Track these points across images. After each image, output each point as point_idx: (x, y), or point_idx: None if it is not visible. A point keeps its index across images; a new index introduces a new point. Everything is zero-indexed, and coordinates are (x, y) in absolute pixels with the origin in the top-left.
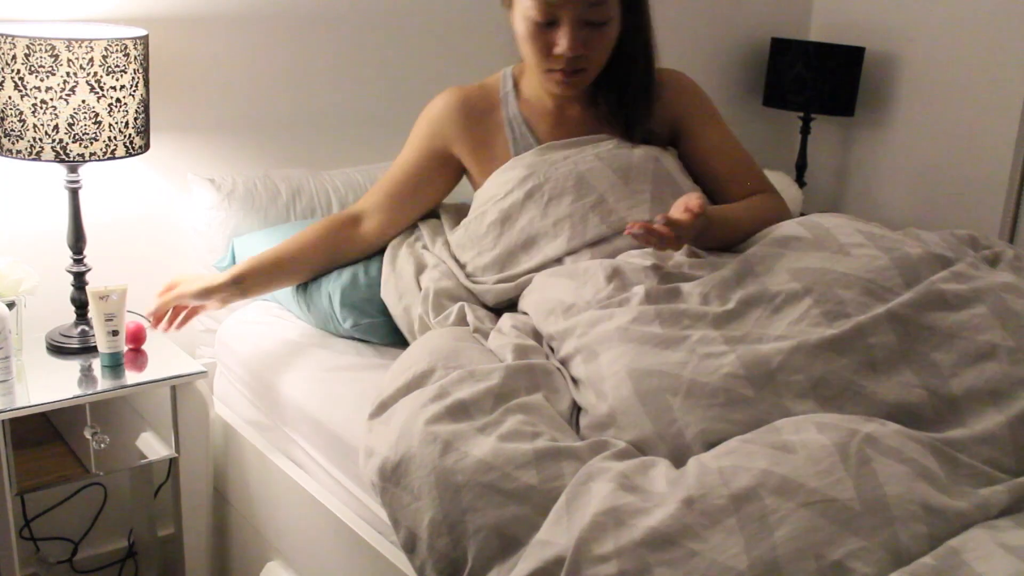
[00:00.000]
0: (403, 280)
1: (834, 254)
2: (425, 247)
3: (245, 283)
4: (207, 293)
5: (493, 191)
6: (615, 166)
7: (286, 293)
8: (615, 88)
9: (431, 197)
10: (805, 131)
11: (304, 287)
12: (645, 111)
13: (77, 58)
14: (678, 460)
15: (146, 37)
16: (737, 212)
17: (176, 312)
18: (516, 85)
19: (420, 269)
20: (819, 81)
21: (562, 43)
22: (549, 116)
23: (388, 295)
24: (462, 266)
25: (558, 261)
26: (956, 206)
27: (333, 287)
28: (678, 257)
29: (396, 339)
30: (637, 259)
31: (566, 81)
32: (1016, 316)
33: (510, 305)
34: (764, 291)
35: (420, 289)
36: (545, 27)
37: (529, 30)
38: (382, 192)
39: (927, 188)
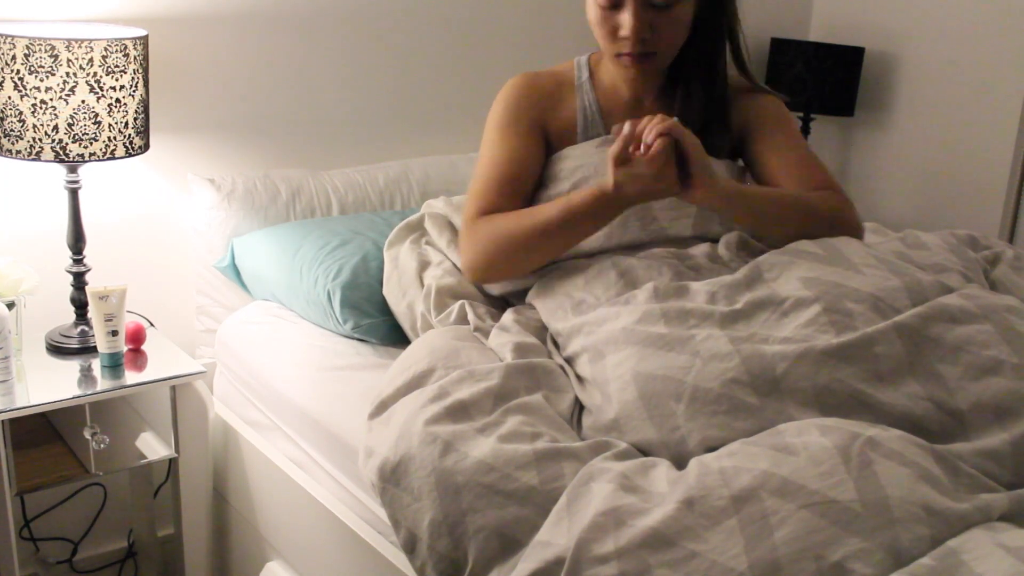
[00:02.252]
0: (406, 277)
1: (846, 271)
2: (429, 243)
3: None
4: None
5: (547, 179)
6: None
7: (286, 290)
8: (696, 88)
9: (535, 178)
10: (805, 131)
11: (302, 283)
12: (719, 121)
13: (77, 58)
14: (680, 465)
15: (146, 37)
16: (770, 191)
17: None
18: (592, 74)
19: (423, 266)
20: (819, 81)
21: (625, 25)
22: (624, 107)
23: (390, 292)
24: None
25: (588, 256)
26: (956, 206)
27: (333, 286)
28: (698, 258)
29: (396, 339)
30: (652, 259)
31: (634, 65)
32: (1020, 336)
33: (514, 297)
34: (773, 295)
35: (423, 286)
36: (610, 10)
37: (597, 14)
38: (502, 187)
39: (927, 188)
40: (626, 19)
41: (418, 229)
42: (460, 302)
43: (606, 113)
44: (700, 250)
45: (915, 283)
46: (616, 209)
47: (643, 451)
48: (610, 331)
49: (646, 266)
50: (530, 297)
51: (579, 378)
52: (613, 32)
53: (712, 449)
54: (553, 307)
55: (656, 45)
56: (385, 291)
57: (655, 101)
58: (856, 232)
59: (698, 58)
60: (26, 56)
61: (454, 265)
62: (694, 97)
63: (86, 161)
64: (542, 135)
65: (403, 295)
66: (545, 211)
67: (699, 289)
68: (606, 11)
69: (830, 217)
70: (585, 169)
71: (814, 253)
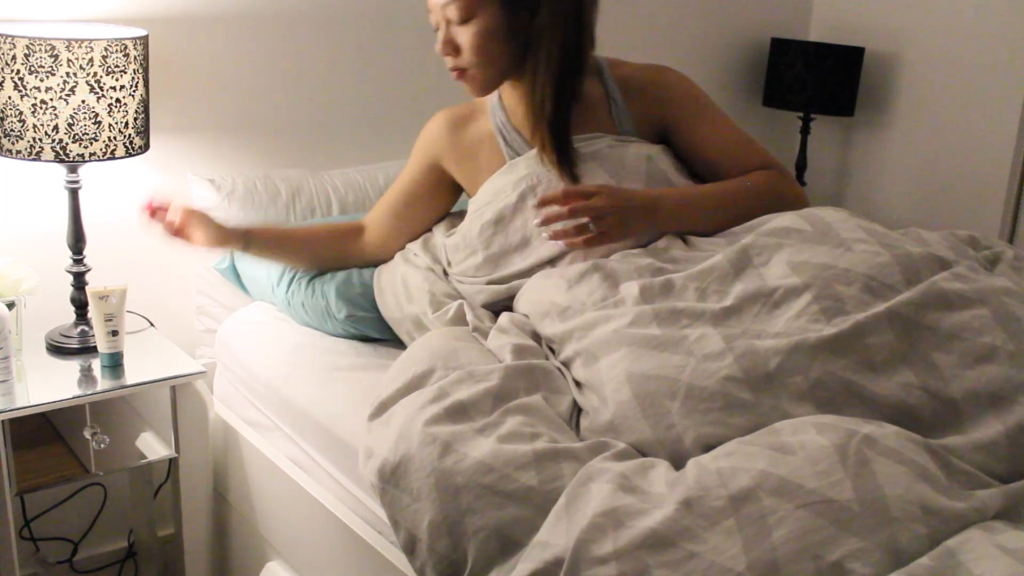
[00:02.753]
0: (397, 286)
1: (835, 248)
2: (416, 254)
3: (252, 240)
4: (218, 231)
5: (489, 196)
6: (607, 166)
7: (283, 296)
8: (566, 88)
9: (428, 214)
10: (805, 131)
11: (298, 289)
12: (565, 117)
13: (77, 58)
14: (678, 464)
15: (146, 37)
16: (711, 188)
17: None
18: (500, 96)
19: (414, 275)
20: (819, 81)
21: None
22: (523, 120)
23: (385, 307)
24: (449, 265)
25: (551, 263)
26: (956, 206)
27: (328, 287)
28: (674, 251)
29: (393, 335)
30: (630, 256)
31: (459, 80)
32: (1017, 320)
33: (503, 306)
34: (762, 286)
35: (416, 292)
36: (436, 33)
37: None
38: (383, 207)
39: (927, 188)
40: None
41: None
42: (459, 301)
43: (521, 129)
44: (670, 241)
45: (906, 256)
46: None
47: (640, 451)
48: (602, 334)
49: (624, 264)
50: (517, 307)
51: (576, 382)
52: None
53: (708, 447)
54: (540, 314)
55: (464, 63)
56: (380, 308)
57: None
58: (800, 205)
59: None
60: (26, 56)
61: (444, 271)
62: (561, 101)
63: (86, 161)
64: (437, 172)
65: (398, 306)
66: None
67: (686, 283)
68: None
69: (774, 200)
70: (531, 178)
71: (802, 231)
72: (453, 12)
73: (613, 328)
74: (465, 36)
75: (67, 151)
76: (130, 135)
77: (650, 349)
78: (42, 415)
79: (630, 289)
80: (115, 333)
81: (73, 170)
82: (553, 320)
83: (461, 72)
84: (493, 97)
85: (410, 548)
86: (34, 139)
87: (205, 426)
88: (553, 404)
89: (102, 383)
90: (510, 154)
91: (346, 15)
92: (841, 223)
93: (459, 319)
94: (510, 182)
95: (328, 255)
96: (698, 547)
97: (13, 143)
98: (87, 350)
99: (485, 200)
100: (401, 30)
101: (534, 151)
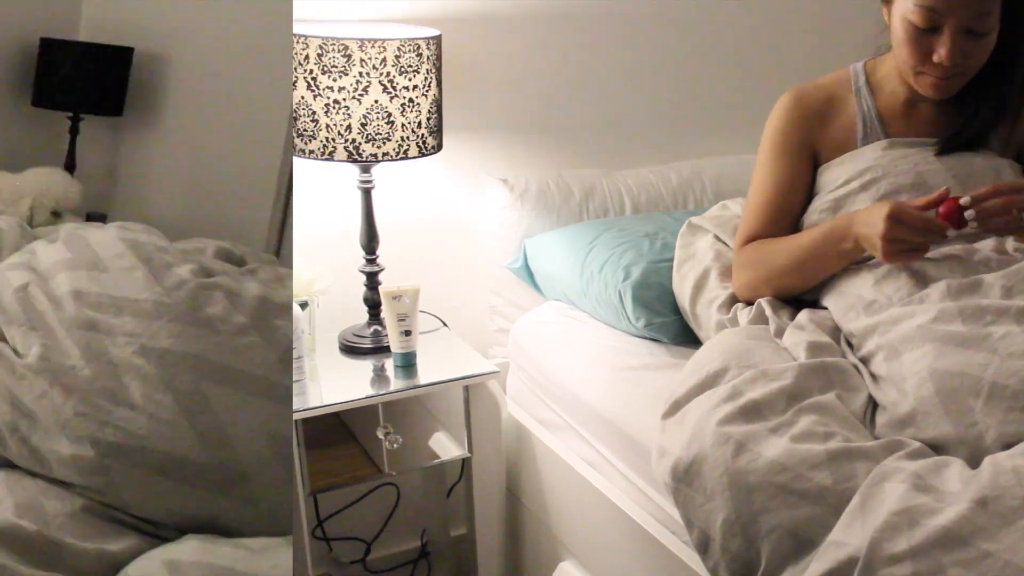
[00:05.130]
0: (697, 277)
1: None
2: (724, 243)
3: None
4: None
5: (829, 183)
6: (956, 171)
7: (577, 292)
8: (993, 96)
9: (803, 201)
10: (74, 131)
11: (593, 284)
12: (1013, 124)
13: (370, 58)
14: (976, 462)
15: (439, 37)
16: None
17: None
18: (867, 79)
19: (713, 269)
20: (89, 81)
21: (941, 51)
22: (901, 111)
23: (682, 298)
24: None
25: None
26: (223, 210)
27: (624, 287)
28: (985, 252)
29: (688, 338)
30: (941, 256)
31: (940, 86)
32: None
33: (804, 301)
34: None
35: (714, 289)
36: (924, 32)
37: (908, 33)
38: (766, 214)
39: (196, 190)
40: (943, 46)
41: (705, 233)
42: (758, 300)
43: (884, 118)
44: (987, 244)
45: None
46: (860, 252)
47: (938, 447)
48: (906, 329)
49: (936, 264)
50: (822, 299)
51: (873, 377)
52: (923, 54)
53: (1008, 445)
54: (844, 308)
55: (964, 69)
56: (677, 296)
57: (930, 106)
58: None
59: (992, 69)
60: (319, 56)
61: None
62: (984, 108)
63: (379, 161)
64: (810, 156)
65: (695, 299)
66: (799, 240)
67: (994, 282)
68: (919, 32)
69: None
70: (875, 171)
71: None
72: (983, 25)
73: (917, 324)
74: (978, 48)
75: (360, 151)
76: (423, 135)
77: (954, 346)
78: (335, 415)
79: (937, 286)
80: (408, 333)
81: (366, 170)
82: (858, 314)
83: (952, 76)
84: (859, 79)
85: (703, 547)
86: (327, 139)
87: (498, 426)
88: (847, 402)
89: (395, 383)
90: (863, 141)
91: (639, 15)
92: None
93: (758, 318)
94: (854, 170)
95: None
96: (993, 546)
97: (306, 143)
98: (380, 350)
99: (823, 186)
100: (693, 30)
101: (882, 142)
